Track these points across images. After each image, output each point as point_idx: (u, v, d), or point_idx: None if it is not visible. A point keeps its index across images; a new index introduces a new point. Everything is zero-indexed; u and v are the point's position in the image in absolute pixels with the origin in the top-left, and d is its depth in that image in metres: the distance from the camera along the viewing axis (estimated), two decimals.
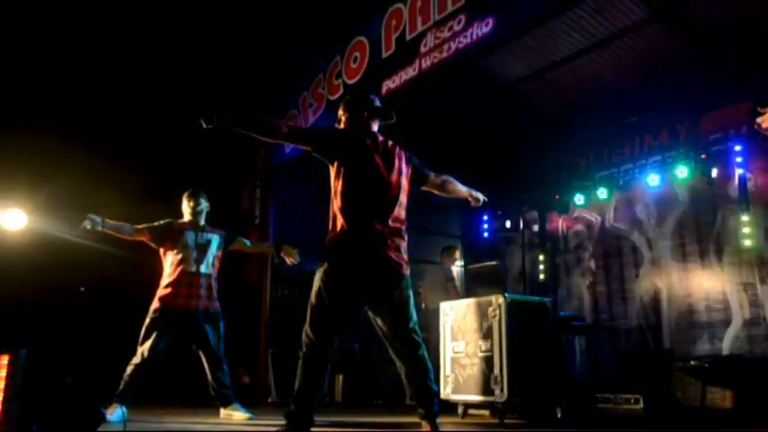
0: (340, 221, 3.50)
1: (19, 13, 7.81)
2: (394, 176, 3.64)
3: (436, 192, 4.13)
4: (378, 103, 3.89)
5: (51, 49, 8.38)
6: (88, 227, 5.15)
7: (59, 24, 8.21)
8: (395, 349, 3.60)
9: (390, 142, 3.79)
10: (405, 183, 3.74)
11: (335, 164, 3.61)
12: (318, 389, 3.35)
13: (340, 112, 3.89)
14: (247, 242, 6.31)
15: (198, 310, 5.47)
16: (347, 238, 3.47)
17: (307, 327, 3.42)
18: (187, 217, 5.79)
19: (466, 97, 8.60)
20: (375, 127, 3.83)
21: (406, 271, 3.63)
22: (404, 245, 3.64)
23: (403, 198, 3.69)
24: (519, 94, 8.67)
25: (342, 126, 3.85)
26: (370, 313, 3.67)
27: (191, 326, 5.46)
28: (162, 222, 5.67)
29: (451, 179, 4.17)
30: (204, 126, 3.32)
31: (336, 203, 3.56)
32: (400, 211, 3.65)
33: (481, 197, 4.36)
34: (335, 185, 3.59)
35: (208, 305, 5.56)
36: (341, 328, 3.47)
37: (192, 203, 5.80)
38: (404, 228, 3.67)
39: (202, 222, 5.80)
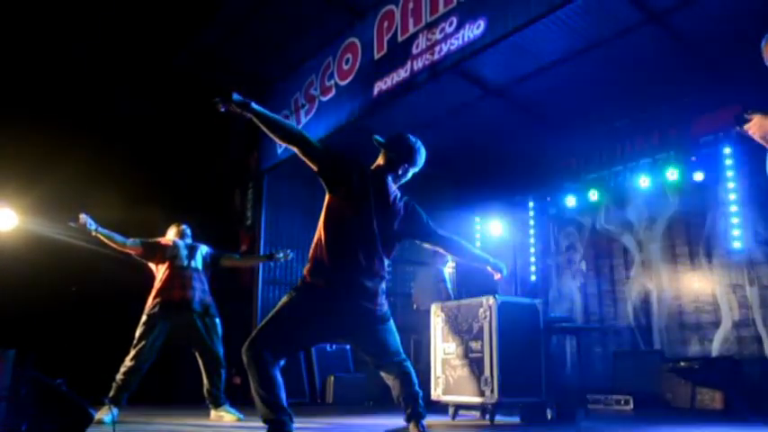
0: (321, 258, 3.43)
1: (12, 12, 7.78)
2: (386, 230, 3.56)
3: (442, 250, 3.96)
4: (420, 161, 3.78)
5: (45, 47, 8.35)
6: (86, 224, 5.23)
7: (53, 22, 8.19)
8: (378, 370, 3.63)
9: (396, 194, 3.69)
10: (395, 238, 3.65)
11: (333, 196, 3.54)
12: (277, 388, 3.28)
13: (383, 152, 3.74)
14: (236, 256, 6.50)
15: (193, 301, 5.52)
16: (325, 279, 3.40)
17: (253, 340, 3.32)
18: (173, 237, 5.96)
19: (457, 99, 8.62)
20: (393, 180, 3.73)
21: (383, 312, 3.54)
22: (382, 288, 3.56)
23: (388, 252, 3.60)
24: (510, 96, 8.68)
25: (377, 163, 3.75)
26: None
27: (186, 318, 5.48)
28: (152, 240, 5.75)
29: (462, 243, 3.93)
30: (220, 108, 3.29)
31: (322, 236, 3.48)
32: (383, 264, 3.56)
33: (504, 269, 3.96)
34: (326, 216, 3.53)
35: (202, 297, 5.62)
36: (285, 353, 3.42)
37: (178, 231, 5.98)
38: (384, 276, 3.58)
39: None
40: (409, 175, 3.79)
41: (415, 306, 8.20)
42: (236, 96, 3.28)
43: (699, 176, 7.96)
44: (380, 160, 3.75)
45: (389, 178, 3.70)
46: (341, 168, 3.54)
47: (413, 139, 3.79)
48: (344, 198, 3.51)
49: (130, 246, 5.60)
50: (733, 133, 7.68)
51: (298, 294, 3.42)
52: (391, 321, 3.59)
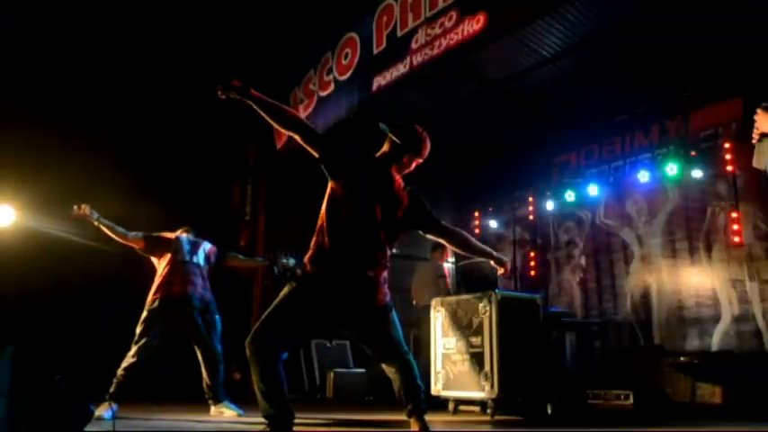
0: (323, 247, 3.38)
1: (11, 7, 7.76)
2: (389, 218, 3.50)
3: (444, 242, 3.85)
4: (425, 152, 3.69)
5: (43, 42, 8.33)
6: (87, 214, 5.23)
7: (51, 17, 8.16)
8: (380, 362, 3.58)
9: (399, 183, 3.62)
10: (398, 227, 3.58)
11: (335, 183, 3.48)
12: (279, 383, 3.26)
13: (389, 139, 3.64)
14: (240, 256, 6.50)
15: (193, 297, 5.51)
16: (327, 268, 3.36)
17: (256, 333, 3.29)
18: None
19: (456, 94, 8.60)
20: (397, 169, 3.64)
21: (385, 302, 3.48)
22: (384, 277, 3.50)
23: (391, 241, 3.54)
24: (509, 91, 8.66)
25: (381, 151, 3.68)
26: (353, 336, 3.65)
27: (186, 314, 5.47)
28: (156, 233, 5.73)
29: (465, 236, 3.83)
30: (221, 94, 3.29)
31: (324, 222, 3.43)
32: (385, 253, 3.50)
33: (507, 263, 3.84)
34: (327, 202, 3.48)
35: (203, 294, 5.61)
36: (288, 345, 3.40)
37: (184, 229, 5.95)
38: (386, 265, 3.51)
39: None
40: (413, 165, 3.70)
41: (414, 302, 8.19)
42: (235, 82, 3.27)
43: (698, 171, 7.94)
44: (385, 148, 3.67)
45: (393, 167, 3.64)
46: (343, 155, 3.49)
47: (419, 128, 3.71)
48: (346, 185, 3.45)
49: (132, 238, 5.58)
50: (733, 127, 7.68)
51: (299, 285, 3.38)
52: (394, 312, 3.53)
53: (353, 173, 3.49)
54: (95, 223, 5.37)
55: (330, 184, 3.52)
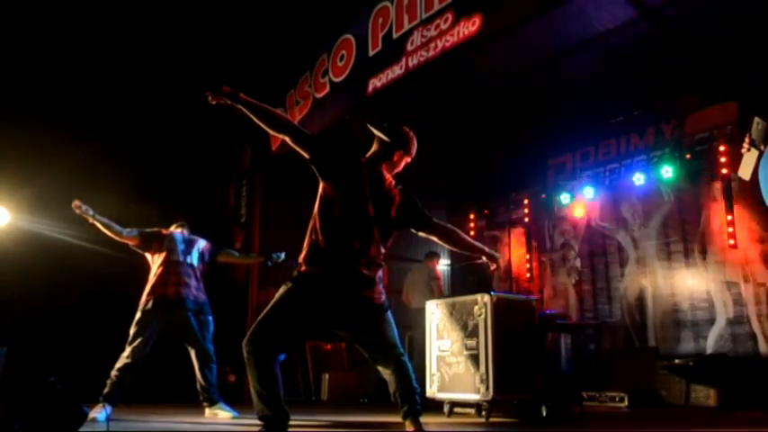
0: (317, 246, 3.39)
1: (14, 7, 7.74)
2: (382, 216, 3.52)
3: (437, 239, 3.83)
4: (413, 150, 3.73)
5: (39, 43, 8.30)
6: (82, 208, 5.22)
7: (47, 18, 8.14)
8: (375, 363, 3.57)
9: (390, 182, 3.65)
10: (391, 225, 3.59)
11: (326, 183, 3.50)
12: (275, 385, 3.26)
13: (377, 139, 3.70)
14: (235, 253, 6.45)
15: (187, 299, 5.50)
16: (322, 267, 3.36)
17: (253, 334, 3.28)
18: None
19: (452, 95, 8.61)
20: (387, 168, 3.67)
21: (381, 301, 3.48)
22: (379, 276, 3.51)
23: (384, 239, 3.55)
24: (505, 94, 8.68)
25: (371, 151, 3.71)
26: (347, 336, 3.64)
27: (180, 316, 5.46)
28: (150, 230, 5.72)
29: (458, 232, 3.85)
30: (211, 100, 3.33)
31: (317, 222, 3.44)
32: (379, 251, 3.51)
33: (499, 260, 3.89)
34: (320, 202, 3.49)
35: (197, 295, 5.60)
36: (285, 346, 3.41)
37: (178, 224, 5.97)
38: (381, 264, 3.52)
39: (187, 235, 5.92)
40: (402, 164, 3.74)
41: (408, 304, 8.16)
42: (225, 88, 3.31)
43: (694, 174, 7.96)
44: (374, 148, 3.72)
45: (383, 165, 3.67)
46: (333, 155, 3.52)
47: (406, 128, 3.77)
48: (338, 184, 3.47)
49: (127, 235, 5.58)
50: (728, 130, 7.70)
51: (295, 285, 3.37)
52: (390, 313, 3.54)
53: (344, 172, 3.51)
54: (90, 220, 5.37)
55: (322, 185, 3.53)
